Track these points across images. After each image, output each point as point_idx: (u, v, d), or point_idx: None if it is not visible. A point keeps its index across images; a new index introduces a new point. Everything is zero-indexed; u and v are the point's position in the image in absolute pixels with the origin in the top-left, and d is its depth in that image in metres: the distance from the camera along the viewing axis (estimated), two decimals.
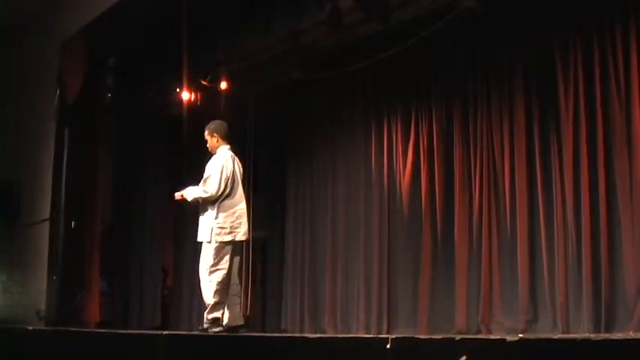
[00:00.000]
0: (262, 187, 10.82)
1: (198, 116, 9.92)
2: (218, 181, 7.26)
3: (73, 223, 10.95)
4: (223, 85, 10.28)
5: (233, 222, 7.30)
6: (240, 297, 7.71)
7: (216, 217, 7.26)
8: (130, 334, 7.93)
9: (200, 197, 7.35)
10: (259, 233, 10.56)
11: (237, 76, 10.35)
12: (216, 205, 7.29)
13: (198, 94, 10.69)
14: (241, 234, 7.36)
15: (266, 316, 11.42)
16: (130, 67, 11.40)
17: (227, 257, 7.24)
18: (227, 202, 7.32)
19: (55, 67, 11.31)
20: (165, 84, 11.00)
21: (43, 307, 10.89)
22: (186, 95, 10.53)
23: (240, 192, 7.44)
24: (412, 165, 9.36)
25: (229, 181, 7.32)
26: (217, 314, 7.20)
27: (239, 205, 7.39)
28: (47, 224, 11.24)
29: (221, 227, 7.25)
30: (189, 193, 7.47)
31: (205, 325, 7.20)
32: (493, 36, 8.59)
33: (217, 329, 7.12)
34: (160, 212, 12.09)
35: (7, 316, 11.78)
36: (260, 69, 10.21)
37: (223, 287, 7.21)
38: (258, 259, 11.26)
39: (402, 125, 9.57)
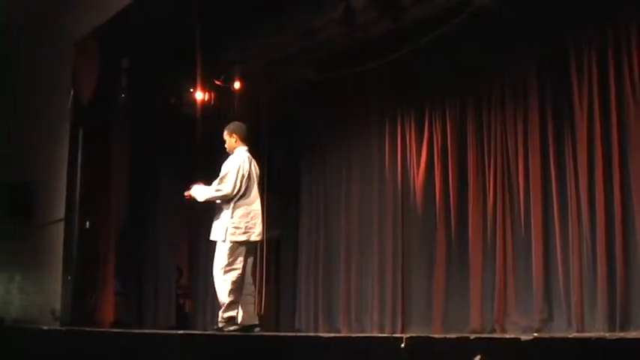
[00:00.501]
0: (276, 186, 10.78)
1: (212, 116, 9.95)
2: (234, 180, 7.27)
3: (87, 223, 10.99)
4: (237, 84, 10.31)
5: (248, 222, 7.30)
6: (255, 296, 7.71)
7: (231, 217, 7.27)
8: (145, 333, 7.95)
9: (214, 197, 7.36)
10: (273, 232, 10.56)
11: (251, 76, 10.37)
12: (232, 204, 7.30)
13: (212, 93, 10.70)
14: (256, 234, 7.37)
15: (280, 316, 11.41)
16: (144, 68, 11.42)
17: (241, 257, 7.25)
18: (242, 202, 7.32)
19: (69, 68, 11.34)
20: (179, 84, 11.02)
21: (58, 307, 10.92)
22: (200, 95, 10.54)
23: (255, 192, 7.44)
24: (426, 164, 9.35)
25: (245, 180, 7.33)
26: (232, 313, 7.21)
27: (254, 205, 7.40)
28: (62, 224, 11.27)
29: (236, 227, 7.25)
30: (200, 193, 7.48)
31: (220, 325, 7.21)
32: (507, 35, 8.55)
33: (232, 328, 7.13)
34: (174, 212, 12.08)
35: (22, 316, 11.85)
36: (273, 68, 10.22)
37: (238, 287, 7.22)
38: (272, 258, 11.23)
39: (416, 124, 9.55)
